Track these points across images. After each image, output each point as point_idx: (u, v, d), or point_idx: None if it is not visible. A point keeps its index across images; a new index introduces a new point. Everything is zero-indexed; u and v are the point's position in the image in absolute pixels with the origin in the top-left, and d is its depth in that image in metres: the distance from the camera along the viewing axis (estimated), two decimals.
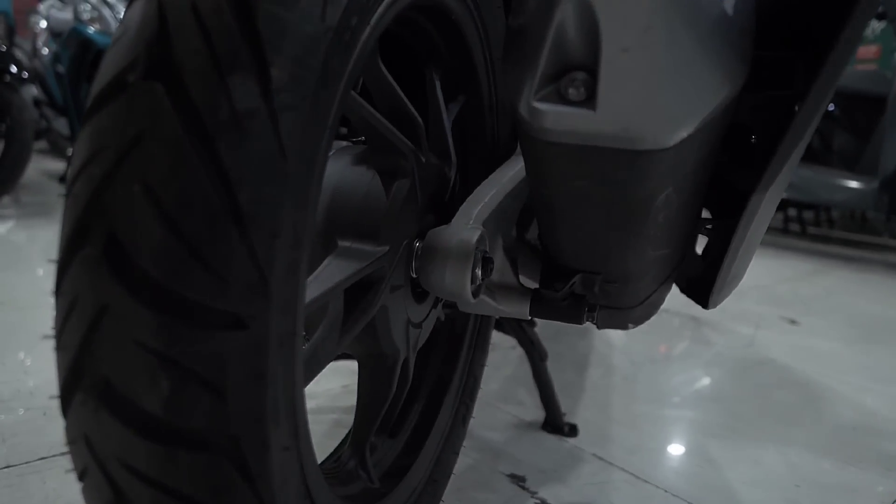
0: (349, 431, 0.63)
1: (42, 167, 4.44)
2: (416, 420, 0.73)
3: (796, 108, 0.41)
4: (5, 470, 0.86)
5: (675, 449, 1.09)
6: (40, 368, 1.19)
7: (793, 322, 1.95)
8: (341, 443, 0.66)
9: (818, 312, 2.10)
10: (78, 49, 3.43)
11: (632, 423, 1.16)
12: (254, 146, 0.32)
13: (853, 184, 3.02)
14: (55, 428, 0.97)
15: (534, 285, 0.67)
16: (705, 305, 0.67)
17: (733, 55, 0.36)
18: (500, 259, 0.64)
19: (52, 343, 0.35)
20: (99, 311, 0.32)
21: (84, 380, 0.33)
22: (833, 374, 1.51)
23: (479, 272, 0.58)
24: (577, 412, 1.18)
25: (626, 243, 0.51)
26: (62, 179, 4.02)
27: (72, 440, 0.35)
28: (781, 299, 2.24)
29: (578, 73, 0.35)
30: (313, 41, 0.35)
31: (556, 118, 0.36)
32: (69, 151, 4.01)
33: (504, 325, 1.06)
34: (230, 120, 0.31)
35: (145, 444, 0.33)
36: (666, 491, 0.94)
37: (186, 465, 0.33)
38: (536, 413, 1.15)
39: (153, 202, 0.31)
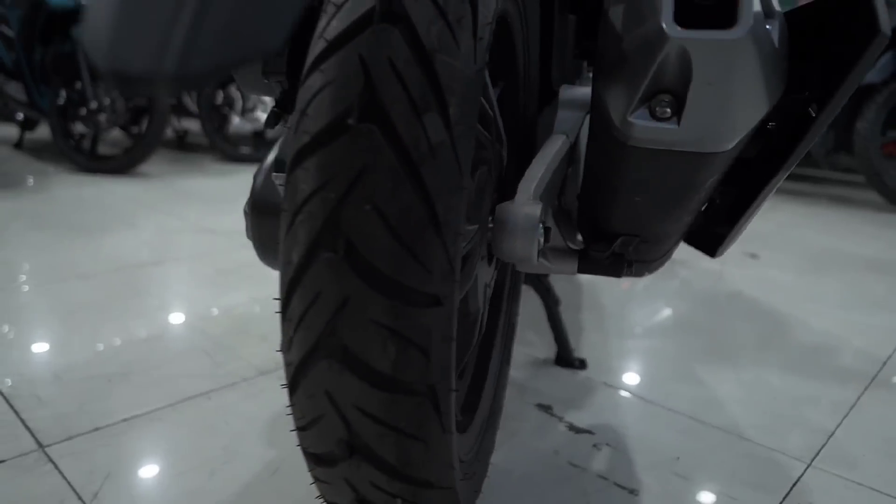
0: None
1: None
2: (475, 363, 0.86)
3: (811, 108, 0.54)
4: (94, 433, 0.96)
5: (669, 373, 1.26)
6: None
7: (753, 256, 2.15)
8: None
9: (775, 247, 2.32)
10: (28, 10, 3.30)
11: (629, 354, 1.33)
12: (443, 168, 0.43)
13: None
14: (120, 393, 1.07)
15: (573, 246, 0.79)
16: (713, 255, 0.81)
17: (777, 76, 0.48)
18: (552, 226, 0.77)
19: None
20: (343, 300, 0.43)
21: (328, 350, 0.44)
22: (793, 303, 1.71)
23: (541, 239, 0.70)
24: (580, 349, 1.34)
25: (670, 215, 0.64)
26: (17, 145, 3.90)
27: (310, 395, 0.46)
28: (742, 236, 2.44)
29: (665, 96, 0.47)
30: (471, 81, 0.45)
31: (646, 131, 0.48)
32: (19, 116, 3.88)
33: (526, 277, 1.19)
34: (428, 150, 0.42)
35: (376, 393, 0.44)
36: (668, 409, 1.11)
37: (402, 406, 0.45)
38: (547, 351, 1.30)
39: (380, 217, 0.42)
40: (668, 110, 0.47)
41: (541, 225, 0.70)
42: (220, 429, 0.99)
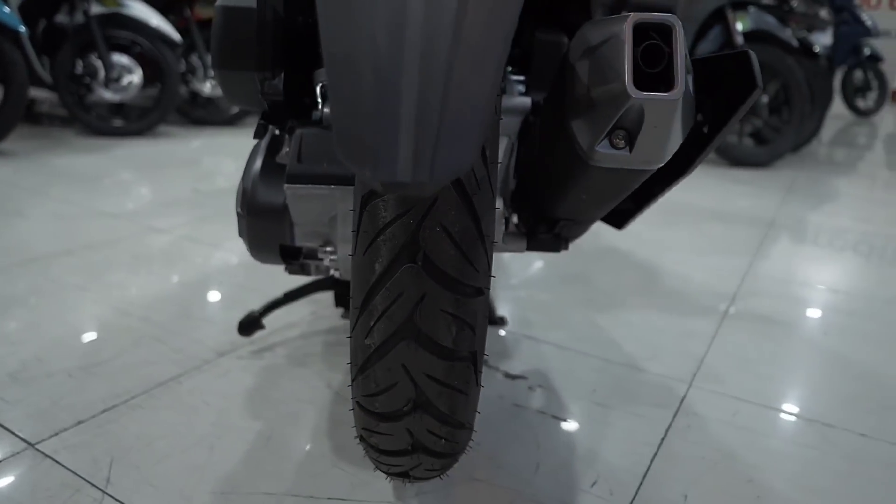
0: None
1: None
2: None
3: (703, 128, 0.74)
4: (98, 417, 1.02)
5: (575, 322, 1.50)
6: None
7: None
8: None
9: None
10: None
11: (538, 309, 1.55)
12: (485, 196, 0.58)
13: None
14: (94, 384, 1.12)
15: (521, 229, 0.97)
16: (620, 228, 1.03)
17: (691, 112, 0.67)
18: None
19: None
20: (421, 296, 0.57)
21: (407, 334, 0.58)
22: (658, 252, 2.03)
23: (503, 227, 0.87)
24: (498, 307, 1.55)
25: (606, 206, 0.83)
26: None
27: (388, 369, 0.60)
28: None
29: (621, 132, 0.65)
30: (496, 124, 0.60)
31: (607, 157, 0.66)
32: None
33: None
34: (476, 184, 0.57)
35: (441, 362, 0.59)
36: (580, 352, 1.34)
37: (456, 369, 0.60)
38: None
39: (447, 235, 0.56)
40: (623, 141, 0.65)
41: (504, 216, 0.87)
42: (202, 408, 1.08)
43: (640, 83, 0.61)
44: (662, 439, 1.06)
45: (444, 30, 0.38)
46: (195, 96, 4.27)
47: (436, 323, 0.58)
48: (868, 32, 5.78)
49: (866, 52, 6.18)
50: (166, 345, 1.29)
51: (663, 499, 0.92)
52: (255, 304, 1.47)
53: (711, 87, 0.73)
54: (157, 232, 2.00)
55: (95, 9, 3.47)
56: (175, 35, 3.70)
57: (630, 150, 0.66)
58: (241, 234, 0.92)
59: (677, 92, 0.60)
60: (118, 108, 3.83)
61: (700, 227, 2.36)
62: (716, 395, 1.21)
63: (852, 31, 5.76)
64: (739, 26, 3.41)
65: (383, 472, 0.73)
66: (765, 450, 1.04)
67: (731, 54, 0.69)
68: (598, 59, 0.65)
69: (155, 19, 3.63)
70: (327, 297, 1.51)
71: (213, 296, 1.54)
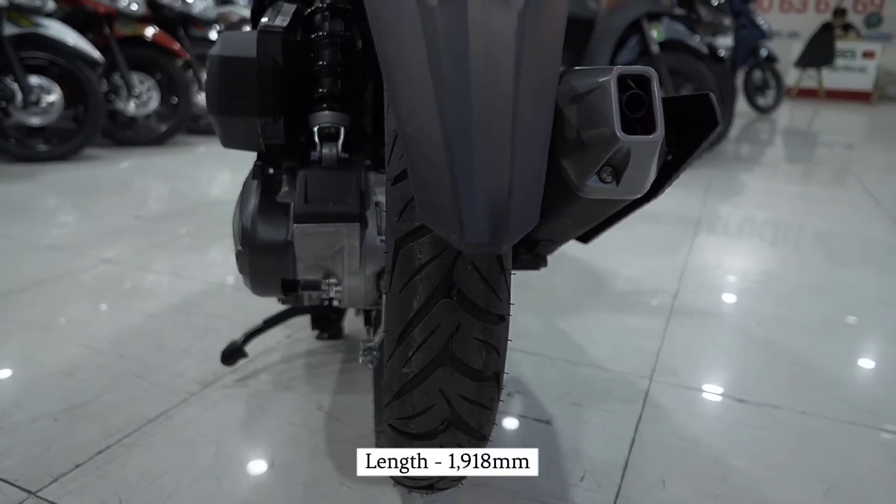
0: None
1: None
2: None
3: (667, 157, 0.85)
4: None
5: (536, 327, 1.60)
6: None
7: None
8: None
9: None
10: None
11: None
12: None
13: None
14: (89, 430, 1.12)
15: None
16: (586, 243, 1.13)
17: (664, 147, 0.77)
18: None
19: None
20: (456, 327, 0.64)
21: (444, 360, 0.65)
22: (603, 256, 2.17)
23: None
24: None
25: (585, 229, 0.92)
26: None
27: (426, 392, 0.66)
28: None
29: (609, 168, 0.74)
30: None
31: (596, 190, 0.75)
32: None
33: None
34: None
35: (473, 383, 0.66)
36: (548, 357, 1.44)
37: (485, 389, 0.68)
38: None
39: (477, 271, 0.63)
40: (611, 177, 0.74)
41: None
42: (199, 441, 1.10)
43: (625, 127, 0.70)
44: (635, 432, 1.16)
45: (504, 111, 0.45)
46: (115, 115, 4.13)
47: (469, 349, 0.65)
48: (764, 35, 6.26)
49: (763, 53, 6.68)
50: (147, 380, 1.29)
51: (644, 485, 1.02)
52: (227, 332, 1.49)
53: (676, 122, 0.83)
54: (109, 263, 1.96)
55: (9, 29, 3.31)
56: (95, 53, 3.57)
57: (617, 184, 0.75)
58: (241, 271, 0.95)
59: (658, 135, 0.70)
60: (39, 132, 3.67)
61: (636, 229, 2.52)
62: (674, 387, 1.33)
63: (750, 35, 6.23)
64: (655, 35, 3.64)
65: (407, 486, 0.79)
66: (723, 433, 1.17)
67: (694, 96, 0.80)
68: (586, 105, 0.73)
69: (72, 38, 3.50)
70: (301, 320, 1.55)
71: (184, 326, 1.54)
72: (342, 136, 0.90)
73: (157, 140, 4.30)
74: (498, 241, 0.43)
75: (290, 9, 0.89)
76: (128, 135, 4.23)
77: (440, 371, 0.66)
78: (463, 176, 0.43)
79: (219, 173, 3.63)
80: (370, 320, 1.05)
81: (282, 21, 0.86)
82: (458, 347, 0.65)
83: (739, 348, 1.52)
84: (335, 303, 0.97)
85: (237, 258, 0.96)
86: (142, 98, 4.11)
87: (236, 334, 1.34)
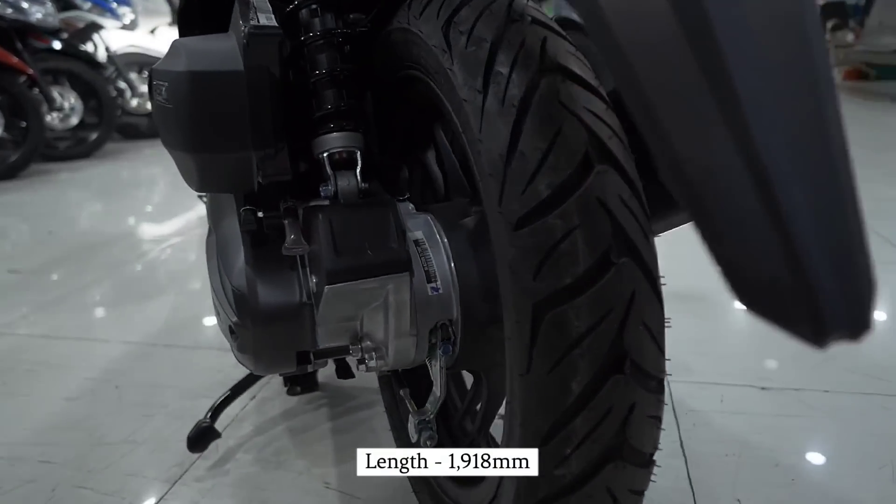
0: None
1: None
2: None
3: None
4: None
5: None
6: None
7: None
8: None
9: None
10: None
11: None
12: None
13: None
14: None
15: None
16: None
17: None
18: None
19: None
20: (631, 405, 0.49)
21: (617, 453, 0.50)
22: None
23: None
24: None
25: None
26: None
27: (591, 496, 0.51)
28: None
29: None
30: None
31: None
32: None
33: None
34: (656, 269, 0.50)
35: (642, 471, 0.53)
36: None
37: (648, 474, 0.54)
38: None
39: (648, 332, 0.49)
40: None
41: None
42: None
43: None
44: (682, 448, 1.07)
45: (824, 131, 0.30)
46: None
47: (644, 432, 0.52)
48: None
49: None
50: (94, 490, 1.02)
51: None
52: (174, 404, 1.24)
53: None
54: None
55: None
56: None
57: None
58: (241, 351, 0.73)
59: None
60: None
61: None
62: (695, 385, 1.25)
63: None
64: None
65: None
66: (767, 429, 1.10)
67: None
68: None
69: None
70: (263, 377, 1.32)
71: (117, 406, 1.26)
72: (360, 163, 0.71)
73: (7, 173, 3.71)
74: (863, 326, 0.29)
75: (266, 4, 0.68)
76: None
77: (611, 467, 0.51)
78: (804, 236, 0.29)
79: (94, 205, 3.18)
80: (400, 380, 0.87)
81: (268, 20, 0.65)
82: (634, 432, 0.51)
83: (737, 333, 1.49)
84: (361, 368, 0.78)
85: (231, 334, 0.74)
86: None
87: (188, 406, 1.10)
